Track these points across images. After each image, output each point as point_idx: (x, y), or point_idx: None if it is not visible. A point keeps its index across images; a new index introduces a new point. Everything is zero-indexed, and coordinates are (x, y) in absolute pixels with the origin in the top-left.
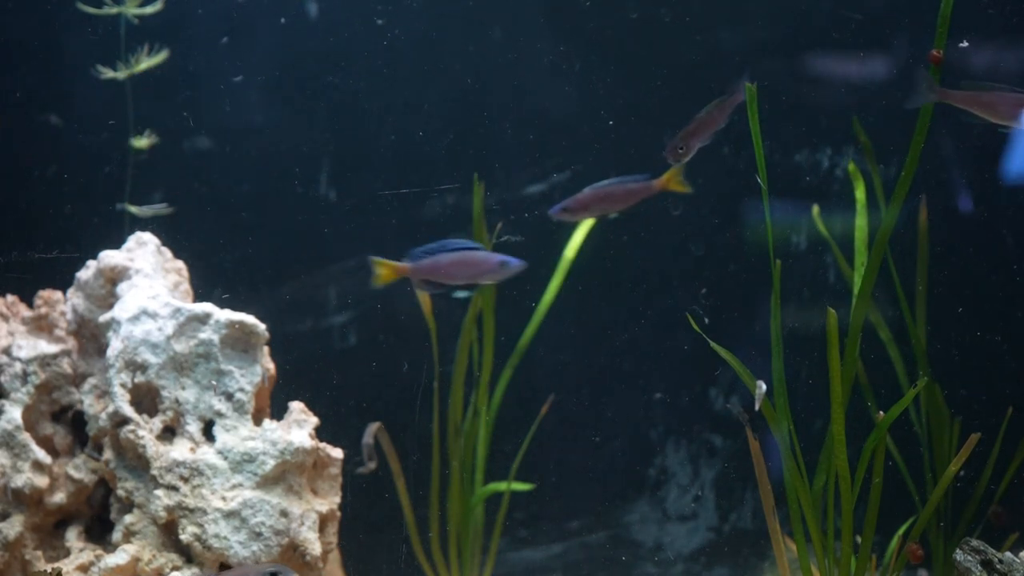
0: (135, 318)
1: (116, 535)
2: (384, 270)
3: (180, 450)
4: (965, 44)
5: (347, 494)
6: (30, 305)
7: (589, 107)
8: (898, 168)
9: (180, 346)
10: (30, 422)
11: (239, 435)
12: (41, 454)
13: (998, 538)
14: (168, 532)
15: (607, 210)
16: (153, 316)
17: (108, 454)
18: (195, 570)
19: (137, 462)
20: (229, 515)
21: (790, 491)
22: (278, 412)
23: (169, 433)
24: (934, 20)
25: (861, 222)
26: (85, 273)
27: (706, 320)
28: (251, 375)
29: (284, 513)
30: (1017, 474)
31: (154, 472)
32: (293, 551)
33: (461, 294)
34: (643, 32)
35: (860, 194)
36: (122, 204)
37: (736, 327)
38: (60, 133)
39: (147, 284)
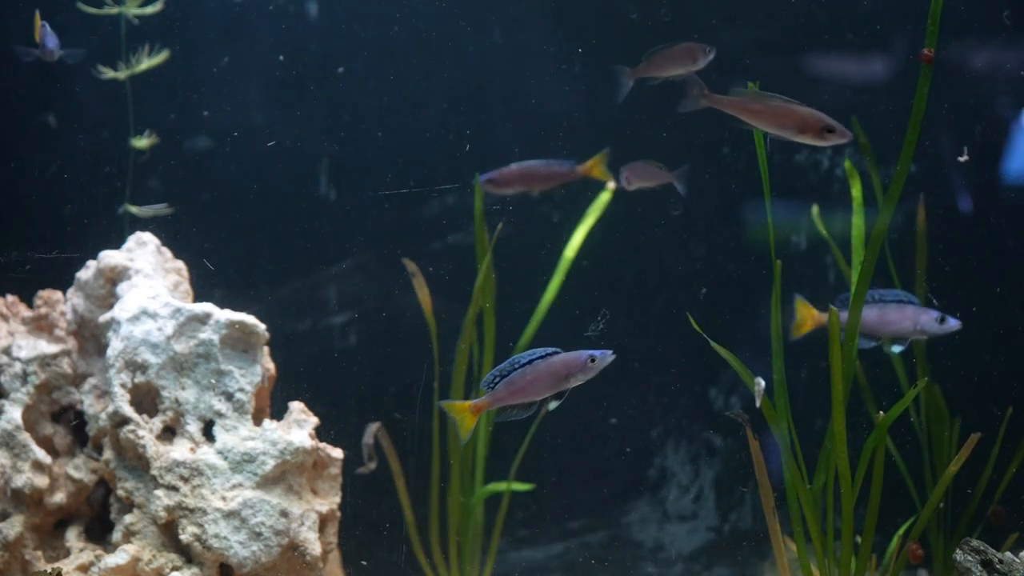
0: (135, 318)
1: (116, 535)
2: (462, 415)
3: (180, 450)
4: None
5: (347, 494)
6: (30, 305)
7: (589, 107)
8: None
9: (180, 346)
10: (30, 422)
11: (239, 435)
12: (41, 454)
13: (998, 538)
14: (168, 532)
15: (529, 187)
16: (153, 316)
17: (108, 454)
18: (195, 570)
19: (137, 462)
20: (229, 515)
21: (790, 491)
22: (278, 412)
23: (169, 433)
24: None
25: (858, 220)
26: (85, 273)
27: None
28: (251, 375)
29: (284, 513)
30: (1017, 474)
31: (154, 472)
32: (293, 551)
33: (552, 405)
34: (643, 32)
35: (857, 192)
36: (122, 204)
37: (736, 327)
38: (60, 133)
39: (147, 284)
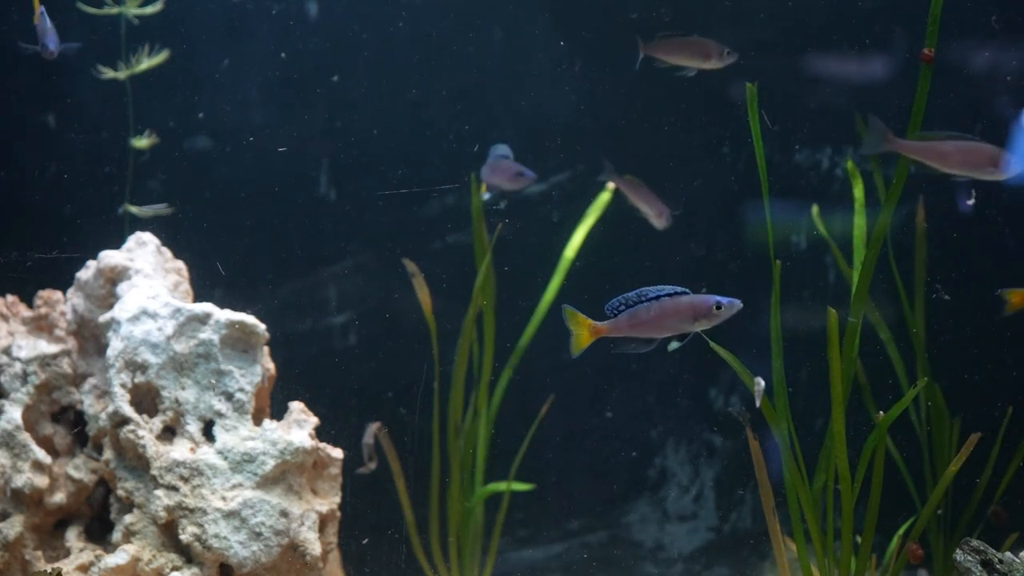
0: (135, 318)
1: (116, 535)
2: (582, 331)
3: (180, 450)
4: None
5: (347, 494)
6: (30, 305)
7: (589, 106)
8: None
9: (180, 346)
10: (30, 422)
11: (239, 435)
12: (41, 454)
13: (998, 538)
14: (168, 532)
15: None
16: (153, 316)
17: (108, 454)
18: (195, 570)
19: (137, 462)
20: (229, 515)
21: (790, 491)
22: (278, 412)
23: (169, 433)
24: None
25: (860, 221)
26: (85, 273)
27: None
28: (251, 375)
29: (284, 513)
30: (1017, 474)
31: (154, 472)
32: (293, 551)
33: (674, 345)
34: (643, 32)
35: (859, 192)
36: (122, 204)
37: (736, 327)
38: (60, 133)
39: (147, 284)
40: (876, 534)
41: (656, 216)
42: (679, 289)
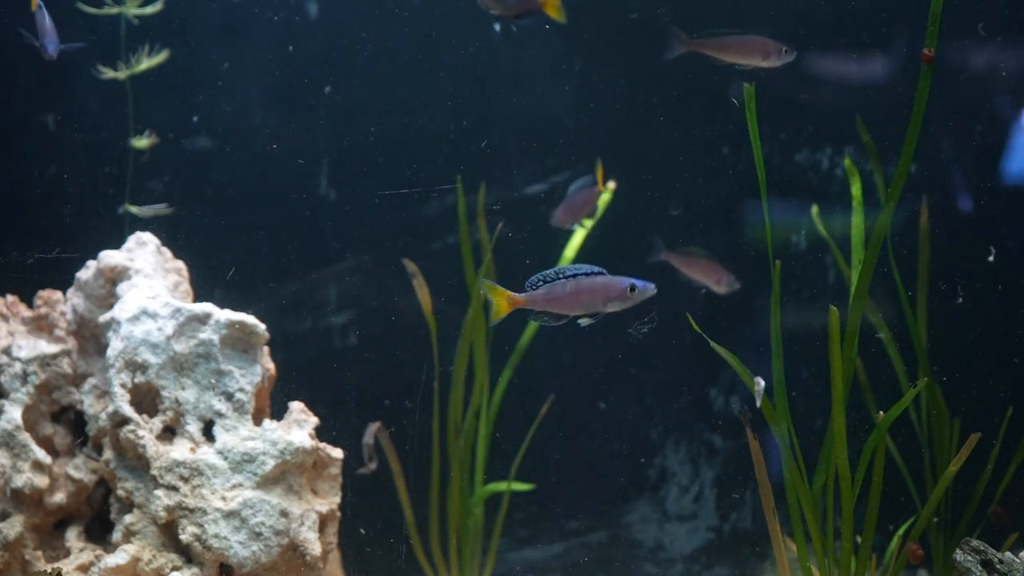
0: (135, 318)
1: (116, 535)
2: (500, 301)
3: (180, 450)
4: None
5: (347, 494)
6: (30, 305)
7: (589, 106)
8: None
9: (180, 346)
10: (30, 422)
11: (239, 435)
12: (41, 454)
13: (998, 538)
14: (168, 532)
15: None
16: (153, 316)
17: (108, 454)
18: (195, 570)
19: (137, 462)
20: (229, 515)
21: (790, 491)
22: (278, 412)
23: (169, 433)
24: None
25: (858, 219)
26: (85, 273)
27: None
28: (251, 375)
29: (284, 513)
30: (1017, 474)
31: (154, 472)
32: (293, 551)
33: (584, 322)
34: (643, 32)
35: (856, 191)
36: (122, 204)
37: (736, 327)
38: (60, 133)
39: (147, 284)
40: (876, 534)
41: (715, 284)
42: (596, 269)
